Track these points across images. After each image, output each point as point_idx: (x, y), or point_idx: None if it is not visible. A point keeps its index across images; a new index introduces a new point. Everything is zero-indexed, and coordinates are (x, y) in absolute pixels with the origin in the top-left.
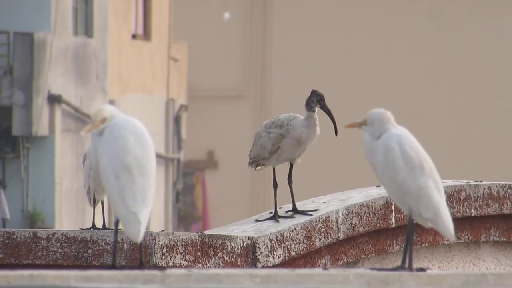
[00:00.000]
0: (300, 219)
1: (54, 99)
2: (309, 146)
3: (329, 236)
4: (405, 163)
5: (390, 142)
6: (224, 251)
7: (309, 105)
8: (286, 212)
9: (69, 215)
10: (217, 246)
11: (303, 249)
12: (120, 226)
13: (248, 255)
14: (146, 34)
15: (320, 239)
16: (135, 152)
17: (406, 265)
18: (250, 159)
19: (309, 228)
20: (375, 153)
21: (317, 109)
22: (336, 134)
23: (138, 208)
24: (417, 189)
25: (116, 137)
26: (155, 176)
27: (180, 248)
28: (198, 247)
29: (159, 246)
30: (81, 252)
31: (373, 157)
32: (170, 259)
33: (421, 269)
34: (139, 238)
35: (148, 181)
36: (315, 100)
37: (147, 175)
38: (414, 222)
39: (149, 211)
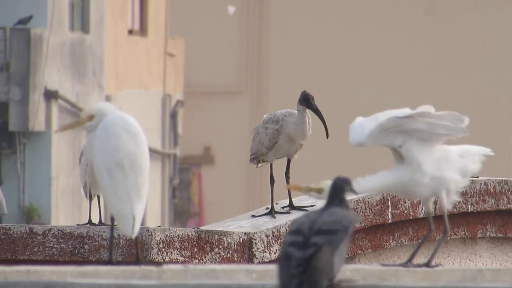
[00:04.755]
0: (296, 215)
1: (50, 95)
2: (302, 143)
3: None
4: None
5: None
6: (220, 247)
7: (297, 104)
8: (283, 207)
9: (66, 211)
10: (214, 241)
11: None
12: (116, 222)
13: (245, 250)
14: (143, 30)
15: None
16: (128, 148)
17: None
18: (251, 156)
19: None
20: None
21: (306, 108)
22: (327, 137)
23: (132, 204)
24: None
25: (109, 134)
26: (148, 172)
27: (176, 244)
28: (195, 242)
29: (156, 241)
30: (77, 248)
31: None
32: (167, 254)
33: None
34: (134, 234)
35: (141, 177)
36: (301, 99)
37: (141, 171)
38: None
39: (143, 207)
